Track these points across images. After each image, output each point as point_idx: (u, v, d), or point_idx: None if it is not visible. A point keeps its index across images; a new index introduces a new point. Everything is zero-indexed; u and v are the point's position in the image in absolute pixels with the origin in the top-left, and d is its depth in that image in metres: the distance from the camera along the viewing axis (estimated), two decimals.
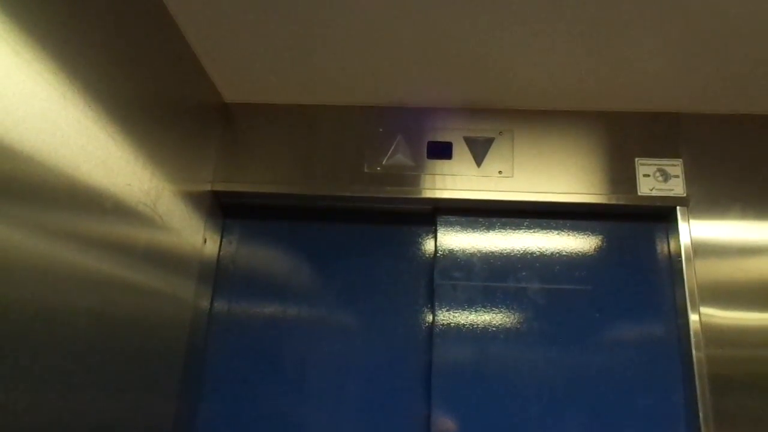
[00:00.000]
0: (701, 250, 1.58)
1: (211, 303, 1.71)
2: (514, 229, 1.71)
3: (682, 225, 1.60)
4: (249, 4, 1.36)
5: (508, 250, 1.69)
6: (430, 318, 1.67)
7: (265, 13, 1.38)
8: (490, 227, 1.71)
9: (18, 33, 0.87)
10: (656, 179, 1.64)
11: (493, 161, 1.69)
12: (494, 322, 1.62)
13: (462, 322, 1.62)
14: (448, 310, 1.63)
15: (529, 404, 1.54)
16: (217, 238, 1.76)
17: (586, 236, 1.69)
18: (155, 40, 1.34)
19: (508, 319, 1.62)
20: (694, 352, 1.49)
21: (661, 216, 1.68)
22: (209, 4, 1.36)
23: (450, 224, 1.72)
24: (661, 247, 1.67)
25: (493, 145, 1.71)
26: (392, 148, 1.72)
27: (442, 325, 1.62)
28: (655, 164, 1.65)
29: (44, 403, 0.96)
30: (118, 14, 1.16)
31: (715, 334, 1.50)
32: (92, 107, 1.06)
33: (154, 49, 1.34)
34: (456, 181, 1.68)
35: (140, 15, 1.26)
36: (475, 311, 1.63)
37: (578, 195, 1.64)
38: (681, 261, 1.58)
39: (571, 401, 1.54)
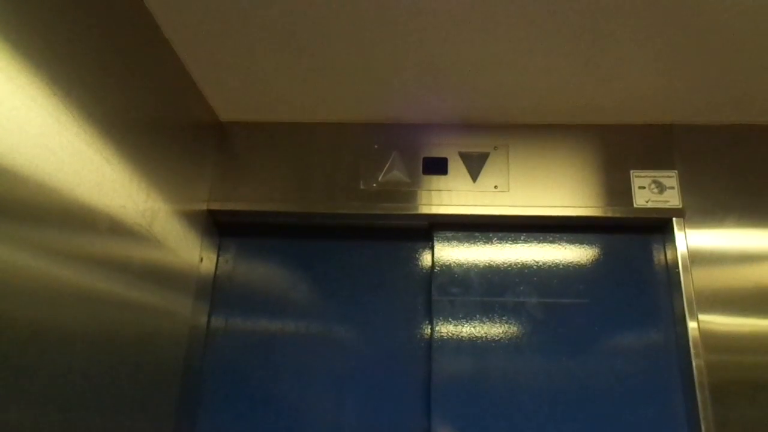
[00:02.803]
0: (698, 259, 1.58)
1: (208, 321, 1.70)
2: (511, 244, 1.71)
3: (679, 236, 1.61)
4: (243, 24, 1.36)
5: (506, 265, 1.68)
6: (428, 333, 1.66)
7: (259, 33, 1.39)
8: (486, 242, 1.71)
9: (11, 59, 0.87)
10: (651, 191, 1.64)
11: (488, 176, 1.69)
12: (493, 337, 1.61)
13: (460, 337, 1.61)
14: (446, 326, 1.63)
15: (529, 418, 1.54)
16: (214, 257, 1.75)
17: (582, 249, 1.69)
18: (150, 61, 1.35)
19: (506, 334, 1.62)
20: (693, 359, 1.49)
21: (657, 227, 1.68)
22: (203, 24, 1.36)
23: (447, 239, 1.72)
24: (658, 258, 1.67)
25: (489, 160, 1.71)
26: (388, 164, 1.72)
27: (441, 340, 1.61)
28: (650, 176, 1.66)
29: (41, 423, 0.96)
30: (113, 37, 1.17)
31: (714, 341, 1.50)
32: (87, 130, 1.06)
33: (149, 70, 1.34)
34: (452, 196, 1.68)
35: (134, 36, 1.27)
36: (473, 326, 1.62)
37: (574, 208, 1.65)
38: (678, 271, 1.58)
39: (572, 414, 1.54)
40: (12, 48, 0.87)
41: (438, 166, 1.71)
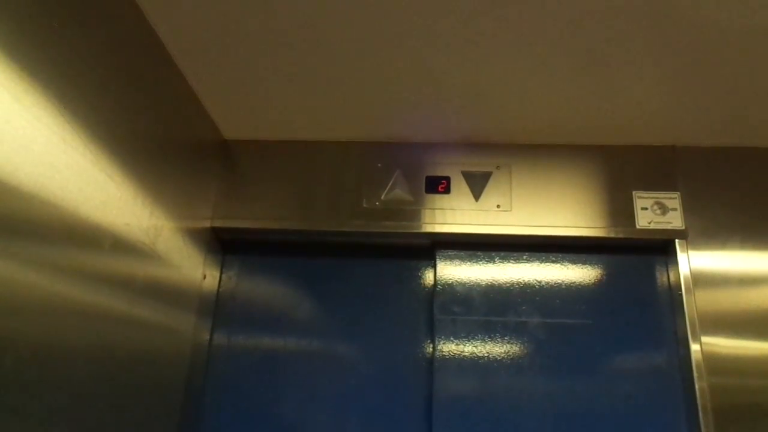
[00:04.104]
0: (701, 281, 1.57)
1: (211, 338, 1.70)
2: (513, 263, 1.71)
3: (682, 257, 1.60)
4: (248, 43, 1.38)
5: (508, 284, 1.68)
6: (430, 352, 1.66)
7: (264, 52, 1.41)
8: (489, 261, 1.71)
9: (18, 79, 0.88)
10: (654, 212, 1.64)
11: (491, 195, 1.70)
12: (495, 357, 1.61)
13: (462, 357, 1.61)
14: (448, 345, 1.62)
15: None
16: (217, 274, 1.76)
17: (585, 270, 1.69)
18: (155, 80, 1.36)
19: (508, 354, 1.61)
20: (696, 382, 1.48)
21: (660, 249, 1.67)
22: (208, 43, 1.38)
23: (449, 258, 1.72)
24: (661, 280, 1.67)
25: (491, 179, 1.72)
26: (390, 183, 1.73)
27: (443, 360, 1.61)
28: (653, 197, 1.66)
29: None
30: (118, 56, 1.18)
31: (717, 364, 1.49)
32: (91, 149, 1.08)
33: (154, 89, 1.36)
34: (454, 215, 1.68)
35: (139, 56, 1.28)
36: (476, 346, 1.62)
37: (576, 228, 1.65)
38: (681, 293, 1.57)
39: None
40: (18, 68, 0.89)
41: (440, 185, 1.72)
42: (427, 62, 1.41)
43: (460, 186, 1.72)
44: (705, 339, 1.52)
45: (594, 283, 1.67)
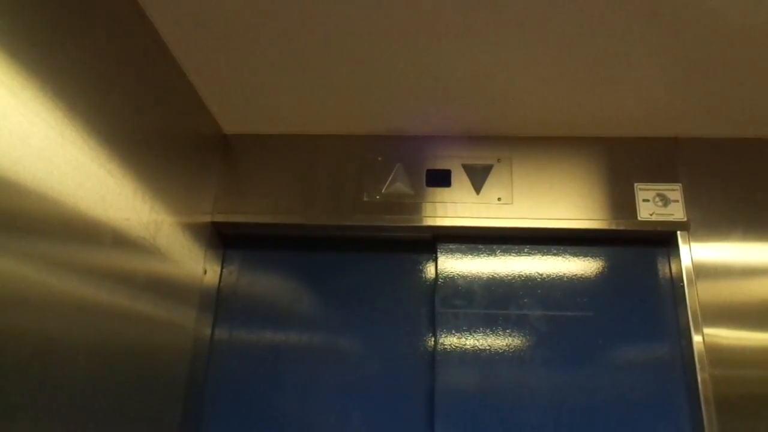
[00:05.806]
0: (703, 272, 1.57)
1: (212, 333, 1.70)
2: (515, 256, 1.70)
3: (683, 249, 1.60)
4: (247, 37, 1.37)
5: (509, 277, 1.68)
6: (431, 346, 1.66)
7: (262, 45, 1.40)
8: (490, 254, 1.71)
9: (15, 74, 0.88)
10: (656, 204, 1.64)
11: (492, 188, 1.69)
12: (496, 350, 1.61)
13: (464, 349, 1.61)
14: (449, 338, 1.62)
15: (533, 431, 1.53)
16: (218, 269, 1.76)
17: (587, 262, 1.69)
18: (154, 74, 1.36)
19: (510, 346, 1.61)
20: (698, 373, 1.48)
21: (661, 240, 1.67)
22: (207, 37, 1.37)
23: (450, 251, 1.71)
24: (663, 272, 1.66)
25: (492, 172, 1.71)
26: (391, 176, 1.72)
27: (444, 353, 1.61)
28: (654, 189, 1.66)
29: None
30: (117, 51, 1.18)
31: (719, 355, 1.49)
32: (90, 144, 1.07)
33: (153, 84, 1.35)
34: (455, 208, 1.68)
35: (138, 50, 1.28)
36: (477, 339, 1.62)
37: (578, 221, 1.64)
38: (683, 285, 1.57)
39: (576, 428, 1.52)
40: (16, 62, 0.88)
41: (441, 178, 1.71)
42: (427, 55, 1.41)
43: (461, 179, 1.71)
44: (707, 330, 1.51)
45: (596, 276, 1.67)
